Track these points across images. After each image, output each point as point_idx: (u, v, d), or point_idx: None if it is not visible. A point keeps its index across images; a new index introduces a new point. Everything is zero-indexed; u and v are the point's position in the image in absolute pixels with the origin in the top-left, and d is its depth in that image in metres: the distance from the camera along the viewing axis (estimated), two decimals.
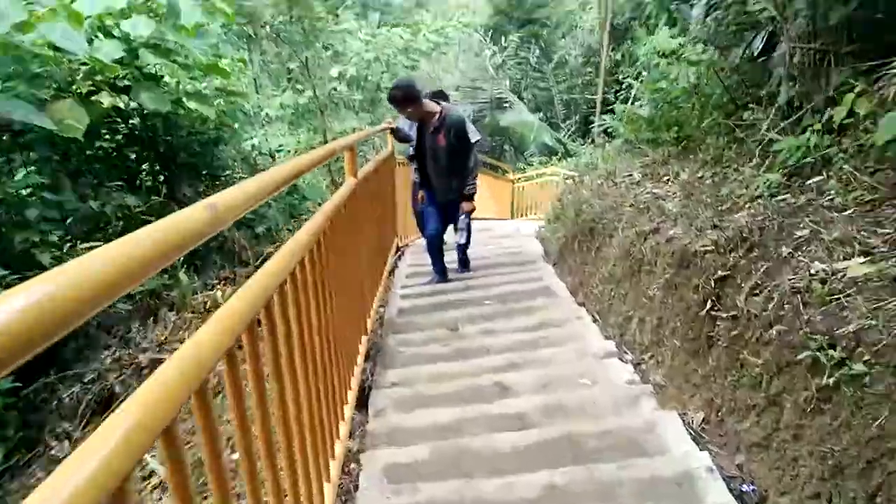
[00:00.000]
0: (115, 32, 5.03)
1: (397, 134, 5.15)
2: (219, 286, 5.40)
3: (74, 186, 4.94)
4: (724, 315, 2.64)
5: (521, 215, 13.67)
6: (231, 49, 11.85)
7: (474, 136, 4.79)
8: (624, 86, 11.94)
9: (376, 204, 4.49)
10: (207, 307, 4.86)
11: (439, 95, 5.04)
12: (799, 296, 2.20)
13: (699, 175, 4.42)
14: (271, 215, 8.10)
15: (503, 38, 20.02)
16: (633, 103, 9.74)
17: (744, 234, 2.80)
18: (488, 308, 4.61)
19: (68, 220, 4.80)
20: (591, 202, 5.14)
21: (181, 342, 4.63)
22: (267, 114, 11.57)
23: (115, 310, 4.44)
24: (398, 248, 6.51)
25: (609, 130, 9.79)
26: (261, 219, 7.84)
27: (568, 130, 18.06)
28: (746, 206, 3.32)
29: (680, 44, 8.66)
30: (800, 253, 2.41)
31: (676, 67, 6.06)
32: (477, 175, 5.06)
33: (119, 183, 5.41)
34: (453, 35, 12.65)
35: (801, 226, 2.59)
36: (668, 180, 4.67)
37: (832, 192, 2.77)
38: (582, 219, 5.07)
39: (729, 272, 2.71)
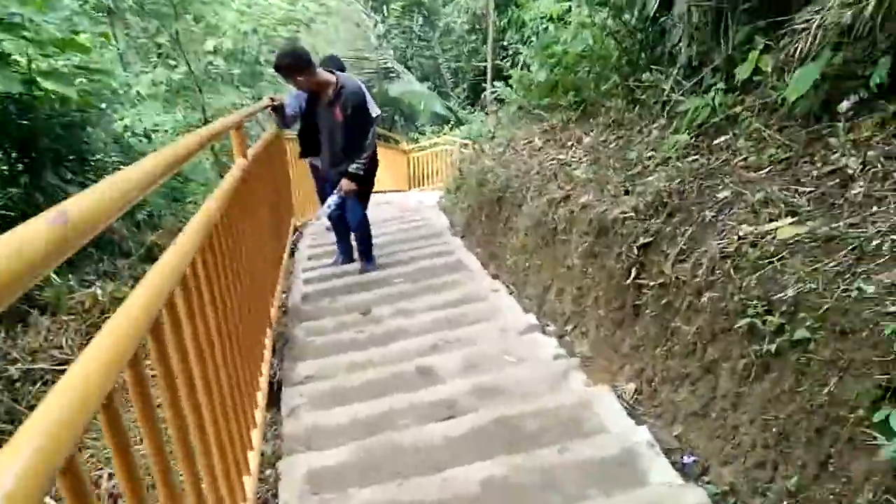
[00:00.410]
0: None
1: (281, 113, 4.53)
2: (97, 283, 4.87)
3: None
4: (651, 283, 2.58)
5: (419, 186, 13.50)
6: (89, 24, 10.81)
7: (374, 110, 4.45)
8: (511, 52, 11.95)
9: (270, 184, 4.17)
10: (87, 307, 4.36)
11: (333, 63, 4.68)
12: (729, 260, 2.15)
13: (602, 139, 4.39)
14: (152, 200, 7.49)
15: (385, 8, 19.55)
16: (523, 69, 9.73)
17: (663, 199, 2.75)
18: (400, 286, 4.41)
19: None
20: (496, 171, 5.02)
21: (59, 349, 4.15)
22: (138, 92, 10.66)
23: None
24: (296, 228, 6.16)
25: (501, 97, 9.76)
26: (139, 205, 7.23)
27: (458, 98, 17.98)
28: (658, 168, 3.29)
29: (569, 7, 8.70)
30: (724, 216, 2.37)
31: (568, 31, 6.03)
32: (370, 155, 4.51)
33: None
34: (333, 5, 12.12)
35: (720, 187, 2.56)
36: (572, 145, 4.61)
37: (744, 151, 2.77)
38: (487, 189, 4.95)
39: (652, 238, 2.65)
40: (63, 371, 0.90)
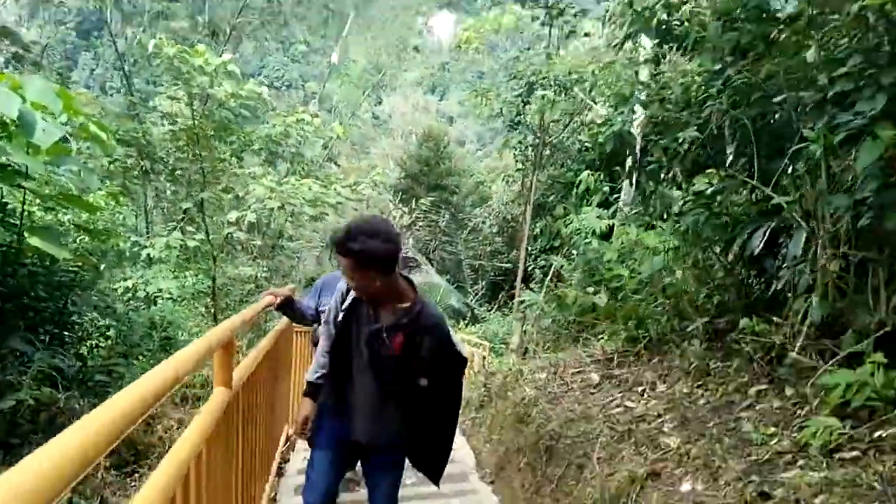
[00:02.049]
0: None
1: (291, 310, 3.34)
2: None
3: None
4: None
5: None
6: (118, 182, 10.66)
7: (464, 351, 2.64)
8: (541, 261, 11.60)
9: (262, 405, 3.25)
10: None
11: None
12: None
13: (685, 390, 3.54)
14: (132, 377, 6.53)
15: (414, 201, 19.91)
16: (555, 282, 9.20)
17: None
18: None
19: None
20: (540, 405, 4.12)
21: None
22: (149, 254, 10.18)
23: None
24: (287, 438, 5.14)
25: (530, 303, 9.12)
26: (116, 381, 6.30)
27: (476, 295, 17.56)
28: (796, 461, 2.40)
29: (611, 225, 8.34)
30: None
31: (612, 249, 5.46)
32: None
33: None
34: (367, 192, 12.05)
35: None
36: (643, 392, 3.76)
37: None
38: (530, 429, 4.02)
39: None
40: None
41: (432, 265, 18.42)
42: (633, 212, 7.31)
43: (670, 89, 3.96)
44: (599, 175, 8.32)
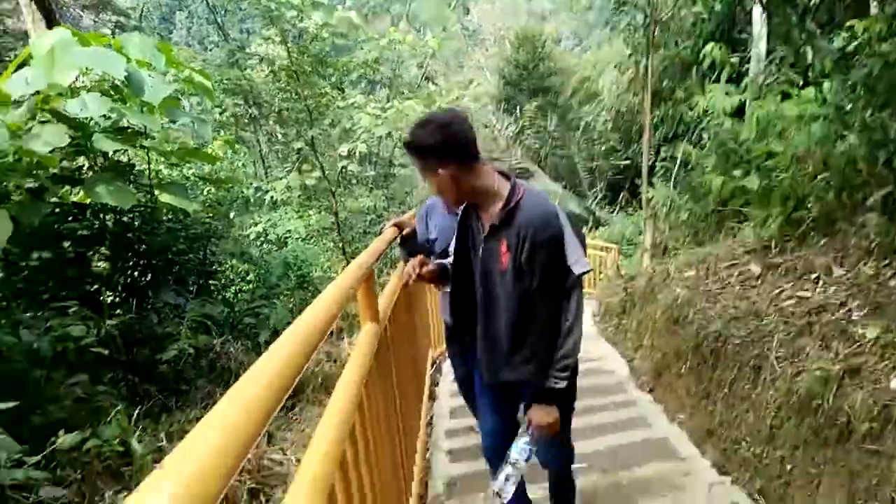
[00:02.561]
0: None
1: (407, 245, 2.90)
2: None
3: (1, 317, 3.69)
4: None
5: None
6: (231, 131, 10.93)
7: (579, 263, 2.01)
8: (661, 151, 10.83)
9: (407, 332, 3.16)
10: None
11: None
12: None
13: (871, 272, 3.09)
14: (277, 316, 6.82)
15: (518, 109, 19.24)
16: (689, 169, 8.54)
17: None
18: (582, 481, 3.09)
19: None
20: (697, 305, 3.80)
21: None
22: (272, 197, 10.48)
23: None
24: (434, 362, 5.16)
25: (659, 200, 8.57)
26: (263, 322, 6.59)
27: (595, 198, 16.95)
28: None
29: (741, 101, 7.53)
30: None
31: (782, 126, 4.84)
32: (576, 349, 2.06)
33: (68, 304, 4.14)
34: (471, 106, 11.67)
35: None
36: (818, 278, 3.34)
37: None
38: (689, 331, 3.72)
39: None
40: None
41: (545, 173, 17.89)
42: (770, 80, 6.51)
43: None
44: (722, 46, 7.46)
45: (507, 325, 2.06)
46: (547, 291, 1.98)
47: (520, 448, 2.08)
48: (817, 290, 3.24)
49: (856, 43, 3.65)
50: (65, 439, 3.19)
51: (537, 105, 18.23)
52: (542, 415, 2.05)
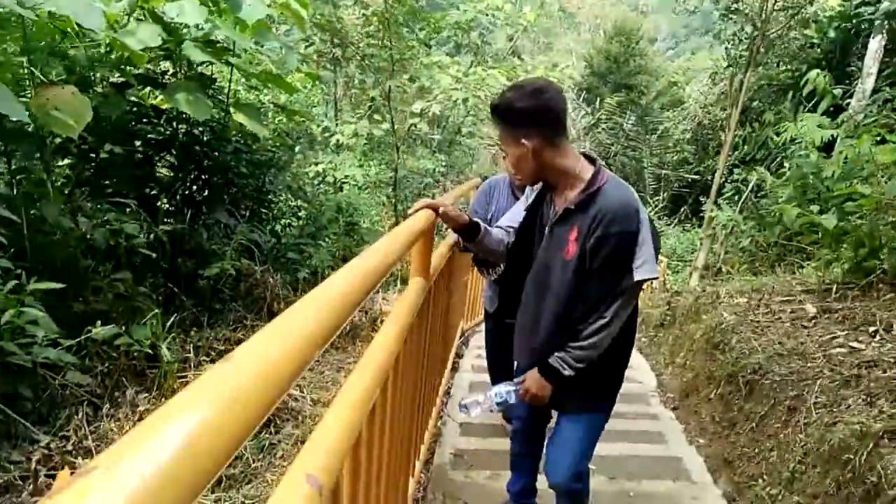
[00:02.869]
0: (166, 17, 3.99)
1: (458, 224, 2.08)
2: (220, 358, 4.12)
3: (64, 200, 3.80)
4: None
5: None
6: (312, 66, 10.98)
7: (645, 268, 1.84)
8: (736, 173, 10.48)
9: (448, 300, 3.16)
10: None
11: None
12: None
13: None
14: (319, 257, 6.89)
15: (598, 101, 18.84)
16: (760, 196, 8.26)
17: None
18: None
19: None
20: (742, 334, 3.69)
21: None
22: (338, 140, 10.53)
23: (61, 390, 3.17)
24: (463, 332, 5.16)
25: (722, 220, 8.32)
26: (305, 260, 6.66)
27: (656, 207, 16.58)
28: None
29: (833, 136, 7.21)
30: None
31: (880, 172, 4.62)
32: (597, 349, 1.91)
33: (128, 202, 4.25)
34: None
35: None
36: (875, 332, 3.20)
37: None
38: (727, 357, 3.62)
39: None
40: None
41: (611, 170, 17.53)
42: (869, 120, 6.20)
43: None
44: (826, 75, 7.13)
45: (552, 313, 1.93)
46: (600, 287, 1.85)
47: (503, 391, 2.05)
48: (873, 343, 3.11)
49: None
50: (99, 331, 3.31)
51: (618, 100, 17.79)
52: (536, 383, 1.96)
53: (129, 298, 4.00)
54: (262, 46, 4.26)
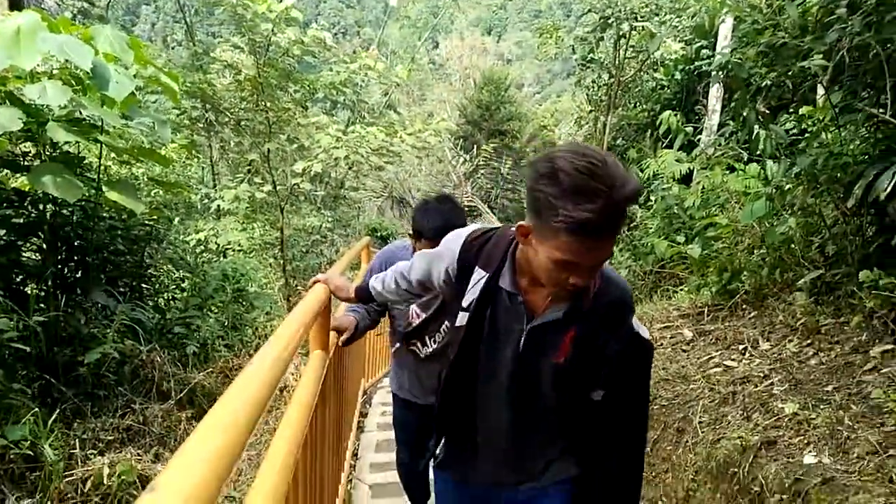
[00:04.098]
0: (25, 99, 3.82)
1: (347, 299, 2.07)
2: (109, 449, 3.87)
3: None
4: None
5: None
6: (185, 134, 10.71)
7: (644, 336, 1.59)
8: None
9: (347, 363, 3.17)
10: (86, 489, 3.35)
11: (446, 207, 2.32)
12: None
13: (794, 350, 3.28)
14: (208, 328, 6.65)
15: (474, 148, 19.56)
16: (631, 227, 8.83)
17: None
18: None
19: None
20: None
21: None
22: (218, 206, 10.28)
23: None
24: (365, 391, 5.13)
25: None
26: (193, 333, 6.39)
27: None
28: None
29: (689, 169, 7.89)
30: None
31: (693, 195, 5.10)
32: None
33: None
34: (432, 141, 11.77)
35: None
36: (744, 350, 3.52)
37: None
38: None
39: None
40: None
41: (494, 213, 18.16)
42: (719, 153, 6.86)
43: (785, 13, 3.54)
44: (678, 114, 7.85)
45: (543, 420, 1.59)
46: (628, 417, 1.57)
47: None
48: (743, 360, 3.41)
49: (803, 127, 3.91)
50: None
51: (494, 146, 18.56)
52: None
53: (2, 396, 3.70)
54: (131, 121, 4.15)
